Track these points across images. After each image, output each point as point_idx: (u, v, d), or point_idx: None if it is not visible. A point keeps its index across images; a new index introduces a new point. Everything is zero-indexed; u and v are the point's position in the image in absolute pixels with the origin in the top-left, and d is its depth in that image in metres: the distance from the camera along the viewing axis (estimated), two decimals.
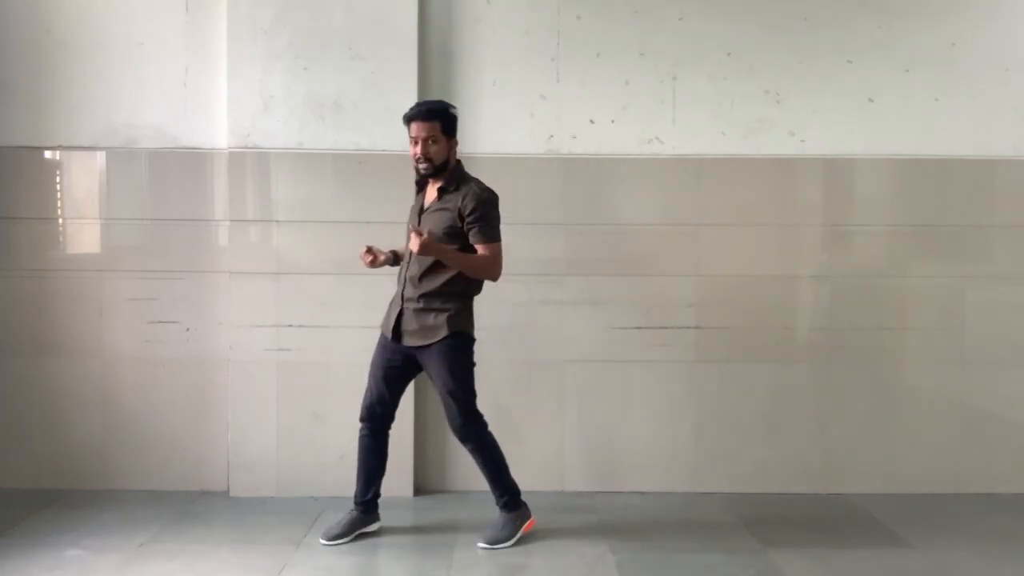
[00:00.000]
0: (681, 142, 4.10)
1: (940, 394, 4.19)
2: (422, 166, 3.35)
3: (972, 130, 4.14)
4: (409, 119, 3.34)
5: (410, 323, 3.39)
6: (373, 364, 3.52)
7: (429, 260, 3.35)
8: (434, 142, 3.32)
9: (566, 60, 4.08)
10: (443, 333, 3.34)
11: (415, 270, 3.38)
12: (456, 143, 3.42)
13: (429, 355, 3.39)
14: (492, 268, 3.35)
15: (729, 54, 4.11)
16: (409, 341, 3.40)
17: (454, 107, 3.43)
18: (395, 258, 3.55)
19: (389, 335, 3.45)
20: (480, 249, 3.33)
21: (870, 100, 4.13)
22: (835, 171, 4.15)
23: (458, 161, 3.45)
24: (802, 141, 4.13)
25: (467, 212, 3.30)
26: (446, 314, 3.35)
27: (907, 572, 3.30)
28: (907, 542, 3.57)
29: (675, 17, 4.10)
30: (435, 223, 3.35)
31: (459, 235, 3.34)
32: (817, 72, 4.12)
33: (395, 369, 3.48)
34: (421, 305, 3.37)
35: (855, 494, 4.11)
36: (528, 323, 4.09)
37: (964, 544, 3.54)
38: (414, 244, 3.21)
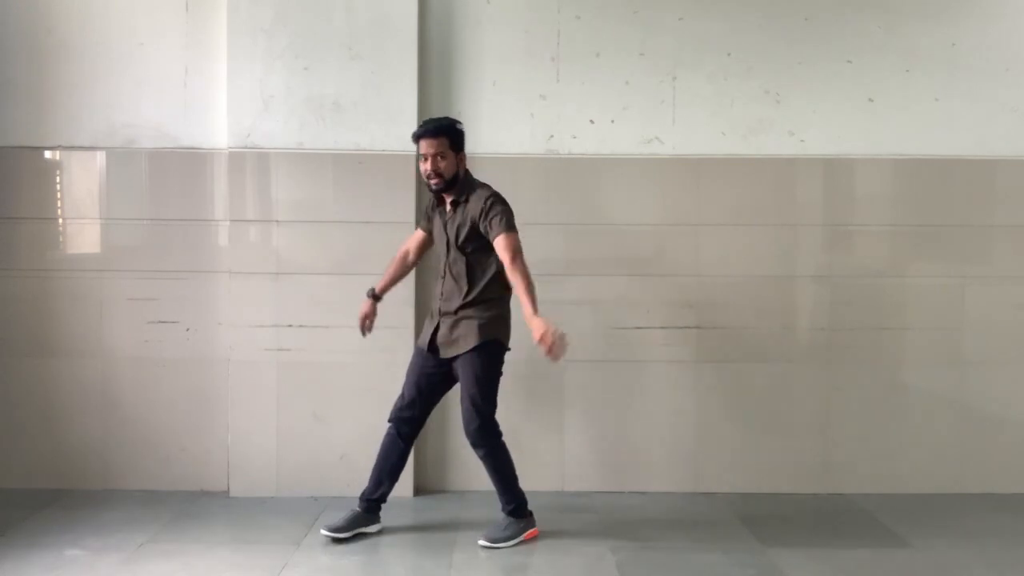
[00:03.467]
0: (681, 142, 4.10)
1: (940, 394, 4.19)
2: (433, 182, 3.40)
3: (972, 130, 4.14)
4: (417, 137, 3.42)
5: (444, 335, 3.45)
6: (409, 370, 3.55)
7: (462, 273, 3.41)
8: (443, 158, 3.38)
9: (566, 60, 4.08)
10: (474, 342, 3.38)
11: (450, 283, 3.44)
12: (464, 157, 3.46)
13: (460, 361, 3.43)
14: (520, 261, 3.31)
15: (729, 54, 4.11)
16: (444, 353, 3.45)
17: (460, 123, 3.49)
18: (375, 299, 3.61)
19: (425, 347, 3.49)
20: (500, 240, 3.31)
21: (870, 100, 4.13)
22: (835, 171, 4.15)
23: (467, 171, 3.49)
24: (802, 141, 4.13)
25: (479, 213, 3.35)
26: (478, 322, 3.39)
27: (907, 572, 3.30)
28: (907, 542, 3.57)
29: (675, 17, 4.10)
30: (457, 232, 3.42)
31: (478, 238, 3.38)
32: (817, 72, 4.12)
33: (430, 377, 3.51)
34: (456, 317, 3.42)
35: (855, 494, 4.11)
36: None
37: (964, 544, 3.54)
38: (544, 342, 3.12)
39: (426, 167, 3.39)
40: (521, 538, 3.50)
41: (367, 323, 3.61)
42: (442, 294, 3.47)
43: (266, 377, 4.00)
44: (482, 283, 3.41)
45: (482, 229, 3.35)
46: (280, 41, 3.96)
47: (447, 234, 3.46)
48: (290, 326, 4.00)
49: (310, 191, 4.01)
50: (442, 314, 3.46)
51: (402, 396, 3.54)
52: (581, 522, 3.74)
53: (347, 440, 3.82)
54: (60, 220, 4.10)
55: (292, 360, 4.01)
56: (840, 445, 4.16)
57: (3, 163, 4.04)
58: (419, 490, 4.07)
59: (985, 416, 4.19)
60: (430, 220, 3.58)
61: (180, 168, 4.07)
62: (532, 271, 4.02)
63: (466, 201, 3.41)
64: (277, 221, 4.00)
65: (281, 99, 3.97)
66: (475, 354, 3.39)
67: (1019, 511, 3.96)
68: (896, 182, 4.17)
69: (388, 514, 3.64)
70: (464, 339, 3.40)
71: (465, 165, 3.47)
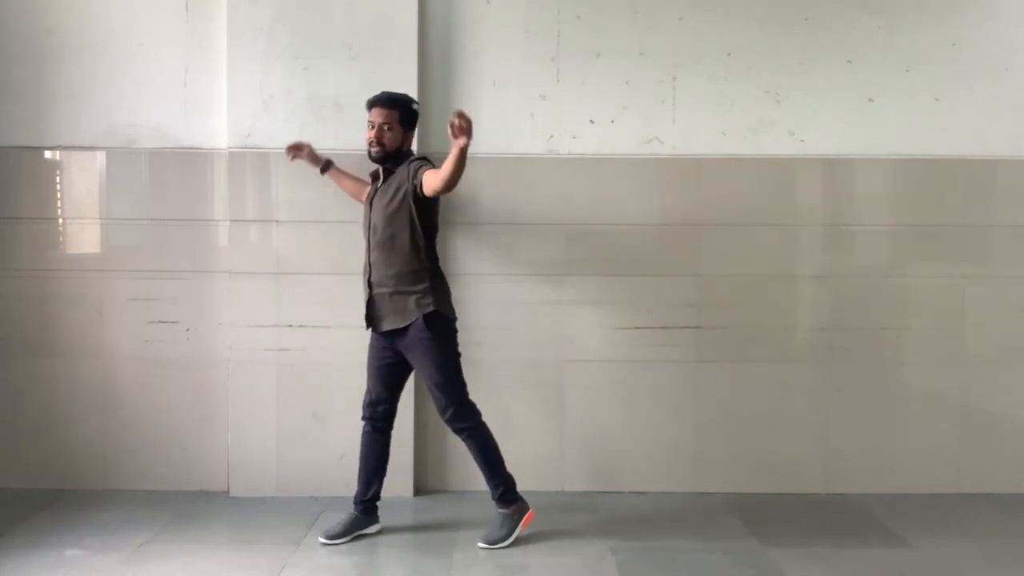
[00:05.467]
0: (681, 142, 4.10)
1: (940, 394, 4.18)
2: (374, 149, 3.42)
3: (972, 130, 4.14)
4: (370, 104, 3.44)
5: (382, 307, 3.43)
6: (368, 363, 3.56)
7: (390, 244, 3.38)
8: (389, 129, 3.41)
9: (566, 60, 4.08)
10: (416, 315, 3.36)
11: (377, 255, 3.42)
12: (411, 137, 3.50)
13: (409, 345, 3.41)
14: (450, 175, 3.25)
15: (729, 54, 4.11)
16: (384, 326, 3.43)
17: (417, 103, 3.52)
18: (319, 162, 3.75)
19: (366, 326, 3.48)
20: (425, 175, 3.29)
21: (870, 100, 4.13)
22: (835, 171, 4.15)
23: (410, 151, 3.50)
24: (802, 141, 4.13)
25: (407, 176, 3.36)
26: (416, 296, 3.37)
27: (907, 572, 3.30)
28: (907, 542, 3.57)
29: (675, 17, 4.10)
30: (386, 202, 3.41)
31: (406, 208, 3.36)
32: (817, 72, 4.12)
33: (388, 366, 3.50)
34: (391, 288, 3.40)
35: (855, 494, 4.11)
36: (528, 323, 4.08)
37: (964, 544, 3.55)
38: (459, 139, 3.03)
39: (370, 134, 3.41)
40: (519, 530, 3.50)
41: (296, 153, 3.78)
42: (371, 266, 3.45)
43: (266, 377, 4.01)
44: (412, 255, 3.37)
45: (409, 186, 3.34)
46: (280, 41, 3.96)
47: (379, 203, 3.44)
48: (290, 326, 4.00)
49: (310, 191, 4.01)
50: (374, 286, 3.44)
51: (368, 391, 3.55)
52: (581, 522, 3.74)
53: (347, 440, 3.82)
54: (60, 220, 4.10)
55: (292, 360, 4.01)
56: (840, 445, 4.16)
57: (3, 163, 4.04)
58: (419, 490, 4.07)
59: (985, 416, 4.19)
60: (370, 185, 3.58)
61: (180, 168, 4.07)
62: (531, 271, 4.06)
63: (396, 172, 3.43)
64: (277, 221, 4.00)
65: (281, 99, 3.97)
66: (423, 333, 3.36)
67: (1019, 511, 3.96)
68: (896, 182, 4.17)
69: (388, 514, 3.64)
70: (405, 312, 3.37)
71: (411, 144, 3.49)
